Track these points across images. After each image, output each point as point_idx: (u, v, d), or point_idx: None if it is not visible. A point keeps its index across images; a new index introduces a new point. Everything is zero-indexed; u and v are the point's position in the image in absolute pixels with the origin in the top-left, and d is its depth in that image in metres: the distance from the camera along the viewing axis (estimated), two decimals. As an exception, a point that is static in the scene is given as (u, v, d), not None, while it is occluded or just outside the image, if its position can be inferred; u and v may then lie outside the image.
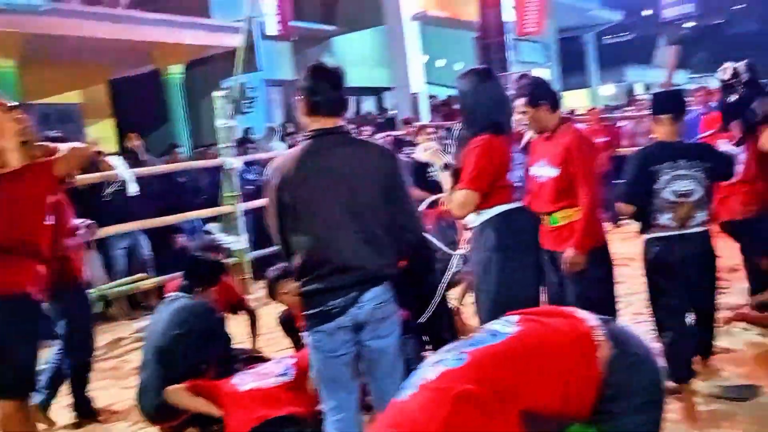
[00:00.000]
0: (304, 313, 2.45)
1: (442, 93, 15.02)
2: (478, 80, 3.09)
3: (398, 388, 2.51)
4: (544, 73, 11.14)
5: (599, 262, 3.09)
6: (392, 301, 2.51)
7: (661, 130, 3.23)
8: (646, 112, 10.06)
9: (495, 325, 1.90)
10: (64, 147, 3.08)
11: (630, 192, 3.23)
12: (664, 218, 3.14)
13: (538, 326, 1.83)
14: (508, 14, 14.07)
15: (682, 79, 18.70)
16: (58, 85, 10.77)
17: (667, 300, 3.20)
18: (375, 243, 2.43)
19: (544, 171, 3.09)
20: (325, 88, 2.43)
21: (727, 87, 3.87)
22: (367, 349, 2.46)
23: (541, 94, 3.11)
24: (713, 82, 5.84)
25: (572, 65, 21.07)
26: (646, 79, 25.51)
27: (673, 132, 3.20)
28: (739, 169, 3.59)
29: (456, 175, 3.06)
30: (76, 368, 3.91)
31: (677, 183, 3.09)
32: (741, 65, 3.86)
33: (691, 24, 25.61)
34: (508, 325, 1.85)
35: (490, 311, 2.93)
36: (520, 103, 3.11)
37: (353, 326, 2.42)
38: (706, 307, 3.35)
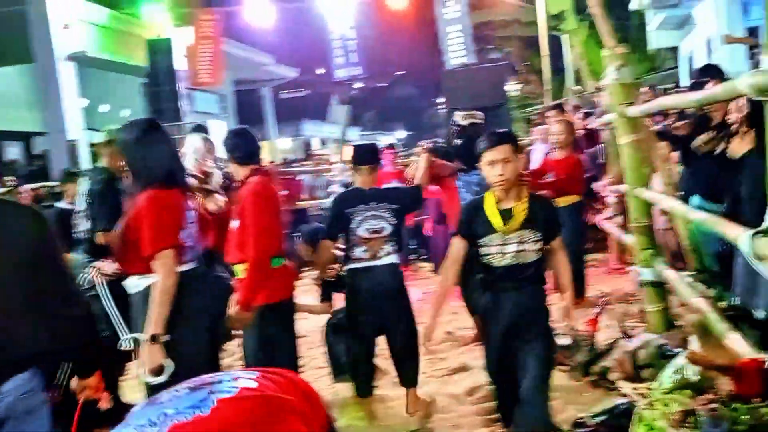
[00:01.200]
0: None
1: (107, 142, 14.25)
2: (142, 131, 3.01)
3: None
4: (221, 125, 11.33)
5: (272, 318, 3.26)
6: (41, 390, 2.25)
7: (360, 178, 3.87)
8: (325, 166, 10.97)
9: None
10: None
11: (330, 231, 3.89)
12: (359, 251, 3.73)
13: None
14: (181, 62, 14.11)
15: (354, 135, 20.67)
16: None
17: (359, 325, 3.81)
18: (13, 323, 2.16)
19: (234, 222, 3.37)
20: None
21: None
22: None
23: (229, 146, 3.50)
24: (384, 139, 6.63)
25: (250, 118, 21.86)
26: (321, 134, 27.67)
27: (371, 180, 3.86)
28: None
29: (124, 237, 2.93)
30: None
31: (369, 222, 3.73)
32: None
33: (359, 85, 28.64)
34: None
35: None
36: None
37: None
38: (399, 332, 3.84)
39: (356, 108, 21.44)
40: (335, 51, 18.03)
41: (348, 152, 10.66)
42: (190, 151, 4.97)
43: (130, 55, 14.53)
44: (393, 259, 3.83)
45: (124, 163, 3.14)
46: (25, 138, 15.21)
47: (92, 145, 12.82)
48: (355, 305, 3.84)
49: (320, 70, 32.02)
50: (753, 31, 10.26)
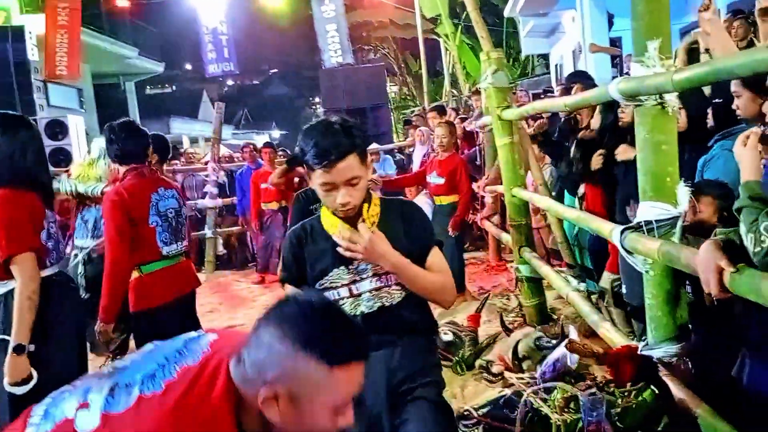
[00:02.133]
0: None
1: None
2: (10, 130, 2.82)
3: None
4: (79, 120, 10.75)
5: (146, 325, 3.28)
6: None
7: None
8: (198, 165, 10.67)
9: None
10: None
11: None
12: None
13: None
14: (33, 53, 13.29)
15: (226, 134, 20.28)
16: None
17: None
18: None
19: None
20: None
21: None
22: None
23: (109, 142, 3.45)
24: (259, 138, 6.58)
25: (112, 114, 20.90)
26: (192, 132, 26.90)
27: None
28: None
29: None
30: None
31: None
32: None
33: (231, 82, 28.15)
34: None
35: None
36: None
37: None
38: None
39: (228, 106, 21.05)
40: (207, 45, 17.59)
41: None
42: (99, 154, 4.79)
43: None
44: None
45: None
46: None
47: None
48: None
49: (189, 66, 31.17)
50: (615, 42, 11.07)
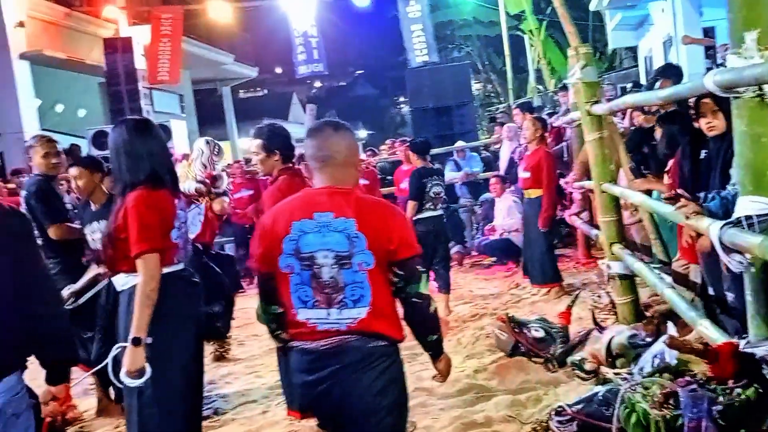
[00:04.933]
0: None
1: (64, 141, 13.98)
2: (129, 131, 2.97)
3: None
4: (181, 124, 11.22)
5: None
6: (26, 394, 2.27)
7: (419, 161, 5.96)
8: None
9: None
10: None
11: (416, 193, 5.79)
12: (429, 206, 5.73)
13: None
14: (139, 62, 13.95)
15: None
16: None
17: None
18: (3, 323, 2.17)
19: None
20: None
21: None
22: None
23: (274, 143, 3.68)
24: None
25: (210, 117, 21.64)
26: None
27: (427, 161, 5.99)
28: None
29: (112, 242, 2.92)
30: None
31: (435, 187, 5.78)
32: None
33: (320, 84, 28.61)
34: None
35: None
36: (255, 144, 3.71)
37: None
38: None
39: (317, 107, 21.43)
40: (297, 48, 17.97)
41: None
42: (197, 155, 5.07)
43: (87, 54, 14.29)
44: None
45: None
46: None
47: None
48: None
49: (279, 69, 31.87)
50: (708, 32, 10.61)
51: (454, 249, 7.98)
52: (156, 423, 2.83)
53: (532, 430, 3.41)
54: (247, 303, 6.00)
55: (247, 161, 9.83)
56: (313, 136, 2.39)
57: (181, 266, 3.00)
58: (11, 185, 8.44)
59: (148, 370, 2.75)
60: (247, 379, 4.85)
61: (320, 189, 2.35)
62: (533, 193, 6.03)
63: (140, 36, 14.91)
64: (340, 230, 2.24)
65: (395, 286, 2.29)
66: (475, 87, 22.83)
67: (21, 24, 12.64)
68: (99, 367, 3.05)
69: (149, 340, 2.76)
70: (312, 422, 3.71)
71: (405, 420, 2.41)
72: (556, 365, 4.07)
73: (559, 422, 3.06)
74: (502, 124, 9.82)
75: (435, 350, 2.43)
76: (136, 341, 2.73)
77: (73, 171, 4.23)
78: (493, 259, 8.10)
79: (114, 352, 2.85)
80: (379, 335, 2.27)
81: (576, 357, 4.04)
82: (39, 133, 5.03)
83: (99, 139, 9.90)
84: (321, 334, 2.27)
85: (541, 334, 4.26)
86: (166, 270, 2.87)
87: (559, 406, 3.17)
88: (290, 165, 3.75)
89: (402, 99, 30.01)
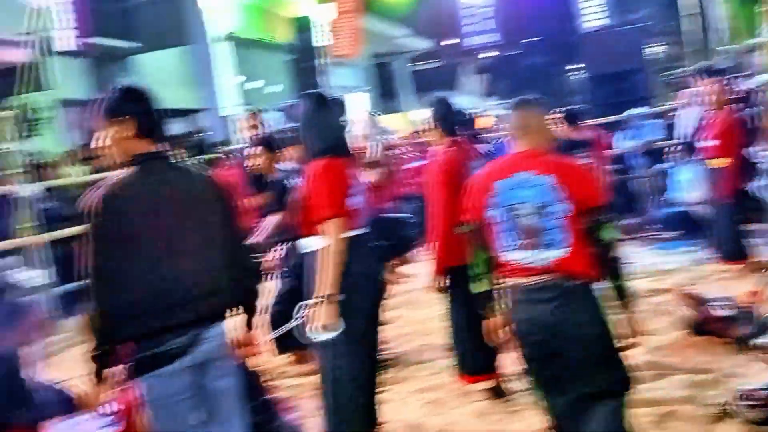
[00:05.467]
0: (137, 356, 2.27)
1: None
2: (313, 104, 3.10)
3: (245, 429, 2.45)
4: (364, 97, 11.51)
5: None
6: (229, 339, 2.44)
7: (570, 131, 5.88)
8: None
9: None
10: None
11: None
12: None
13: None
14: (323, 38, 14.43)
15: (489, 105, 20.34)
16: None
17: None
18: (213, 275, 2.35)
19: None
20: (140, 110, 2.34)
21: None
22: (209, 391, 2.35)
23: (437, 114, 3.70)
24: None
25: (386, 90, 22.03)
26: (456, 106, 27.27)
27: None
28: None
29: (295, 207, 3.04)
30: None
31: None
32: None
33: (491, 54, 28.02)
34: None
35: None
36: (425, 116, 3.79)
37: (195, 367, 2.30)
38: None
39: (489, 77, 21.06)
40: (469, 19, 17.71)
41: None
42: (356, 125, 5.18)
43: (276, 34, 15.03)
44: None
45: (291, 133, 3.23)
46: (184, 114, 16.23)
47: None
48: None
49: (452, 41, 31.60)
50: None
51: (630, 221, 7.50)
52: (345, 373, 2.95)
53: (713, 413, 3.13)
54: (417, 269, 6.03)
55: (420, 132, 9.86)
56: (514, 109, 2.77)
57: (361, 230, 3.07)
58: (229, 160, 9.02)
59: (340, 324, 2.86)
60: (420, 341, 4.89)
61: (520, 152, 2.68)
62: (718, 162, 5.45)
63: (324, 14, 15.39)
64: (540, 185, 2.55)
65: (587, 231, 2.54)
66: (653, 51, 21.20)
67: (218, 10, 13.53)
68: (288, 325, 3.18)
69: (339, 297, 2.87)
70: (480, 386, 3.68)
71: (613, 352, 2.54)
72: (744, 347, 3.68)
73: (748, 406, 2.79)
74: (682, 89, 9.02)
75: (620, 296, 2.58)
76: (327, 298, 2.85)
77: (256, 150, 4.55)
78: (674, 232, 7.49)
79: (300, 310, 2.97)
80: (576, 274, 2.51)
81: (765, 339, 3.64)
82: (247, 108, 5.38)
83: (289, 113, 10.38)
84: (526, 272, 2.55)
85: (727, 312, 3.87)
86: (348, 233, 2.95)
87: (746, 390, 2.88)
88: (457, 136, 3.69)
89: (573, 66, 28.65)
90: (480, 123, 9.66)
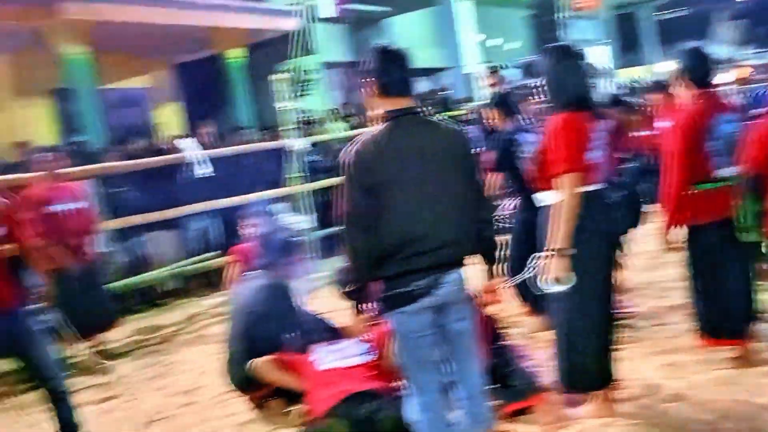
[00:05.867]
0: (388, 294, 2.44)
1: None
2: (558, 57, 2.99)
3: (478, 370, 2.55)
4: (604, 50, 10.81)
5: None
6: (464, 288, 2.51)
7: None
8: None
9: None
10: None
11: None
12: None
13: None
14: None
15: (744, 54, 17.96)
16: (127, 71, 11.02)
17: None
18: (458, 223, 2.43)
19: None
20: (394, 69, 2.43)
21: None
22: (449, 331, 2.47)
23: (687, 67, 3.36)
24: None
25: (628, 42, 20.44)
26: (706, 55, 24.43)
27: None
28: None
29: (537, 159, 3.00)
30: None
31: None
32: None
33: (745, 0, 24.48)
34: None
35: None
36: (673, 69, 3.44)
37: (435, 308, 2.43)
38: None
39: (747, 23, 18.46)
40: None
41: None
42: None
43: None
44: None
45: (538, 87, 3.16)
46: (430, 73, 16.65)
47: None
48: None
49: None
50: None
51: None
52: (577, 326, 2.92)
53: None
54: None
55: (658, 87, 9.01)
56: None
57: (599, 186, 2.95)
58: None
59: (572, 278, 2.82)
60: (656, 302, 4.62)
61: None
62: None
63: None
64: None
65: None
66: None
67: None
68: (522, 276, 3.20)
69: (571, 252, 2.81)
70: (725, 352, 3.38)
71: None
72: None
73: None
74: None
75: None
76: (559, 252, 2.81)
77: (490, 110, 4.55)
78: None
79: (534, 261, 2.97)
80: None
81: None
82: (487, 65, 5.37)
83: (528, 69, 10.16)
84: None
85: None
86: (585, 189, 2.86)
87: None
88: (707, 88, 3.33)
89: None
90: (736, 73, 8.56)
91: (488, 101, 4.72)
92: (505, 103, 4.52)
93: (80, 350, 5.11)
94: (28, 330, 3.24)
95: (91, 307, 4.90)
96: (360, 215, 2.38)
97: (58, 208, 4.87)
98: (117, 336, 5.43)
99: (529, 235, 4.05)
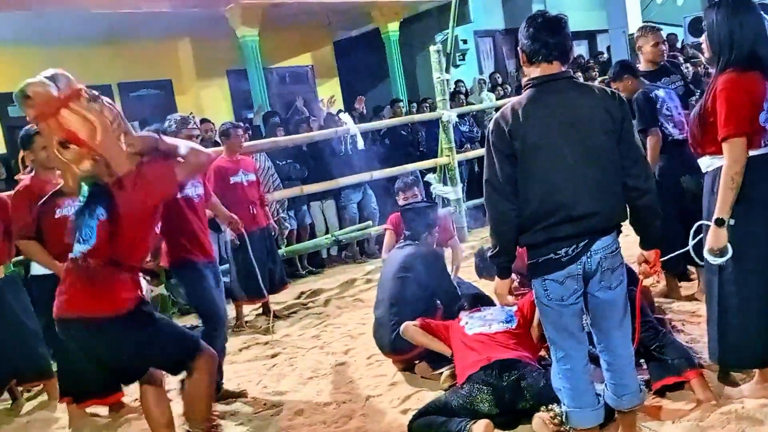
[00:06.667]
0: (533, 261, 2.43)
1: (665, 30, 13.64)
2: (726, 12, 2.72)
3: (626, 341, 2.48)
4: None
5: None
6: (620, 252, 2.44)
7: None
8: None
9: None
10: (183, 148, 2.66)
11: None
12: None
13: None
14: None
15: None
16: (292, 50, 11.62)
17: None
18: (606, 190, 2.35)
19: None
20: (542, 36, 2.38)
21: None
22: (595, 299, 2.42)
23: None
24: None
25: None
26: None
27: None
28: None
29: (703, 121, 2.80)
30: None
31: None
32: None
33: None
34: None
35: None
36: None
37: (582, 275, 2.38)
38: None
39: None
40: None
41: None
42: None
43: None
44: None
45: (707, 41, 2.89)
46: (589, 36, 15.79)
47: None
48: None
49: None
50: None
51: None
52: (734, 301, 2.73)
53: None
54: None
55: None
56: None
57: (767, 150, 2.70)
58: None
59: (729, 249, 2.64)
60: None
61: None
62: None
63: None
64: None
65: None
66: None
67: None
68: (683, 249, 3.02)
69: (732, 222, 2.64)
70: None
71: None
72: None
73: None
74: None
75: None
76: (720, 222, 2.64)
77: (614, 83, 4.29)
78: None
79: (696, 231, 2.82)
80: None
81: None
82: (645, 24, 5.01)
83: (694, 26, 9.36)
84: None
85: None
86: (753, 153, 2.65)
87: None
88: None
89: None
90: None
91: (611, 74, 4.44)
92: (629, 68, 4.33)
93: (252, 310, 5.63)
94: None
95: (267, 270, 5.35)
96: (502, 183, 2.38)
97: (240, 178, 5.37)
98: (283, 298, 5.89)
99: (673, 201, 3.81)
